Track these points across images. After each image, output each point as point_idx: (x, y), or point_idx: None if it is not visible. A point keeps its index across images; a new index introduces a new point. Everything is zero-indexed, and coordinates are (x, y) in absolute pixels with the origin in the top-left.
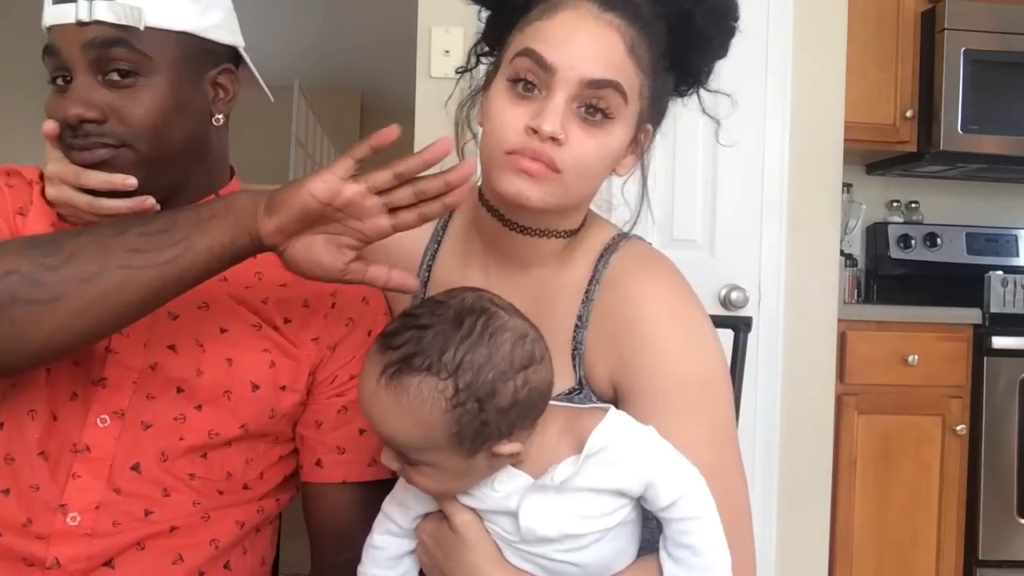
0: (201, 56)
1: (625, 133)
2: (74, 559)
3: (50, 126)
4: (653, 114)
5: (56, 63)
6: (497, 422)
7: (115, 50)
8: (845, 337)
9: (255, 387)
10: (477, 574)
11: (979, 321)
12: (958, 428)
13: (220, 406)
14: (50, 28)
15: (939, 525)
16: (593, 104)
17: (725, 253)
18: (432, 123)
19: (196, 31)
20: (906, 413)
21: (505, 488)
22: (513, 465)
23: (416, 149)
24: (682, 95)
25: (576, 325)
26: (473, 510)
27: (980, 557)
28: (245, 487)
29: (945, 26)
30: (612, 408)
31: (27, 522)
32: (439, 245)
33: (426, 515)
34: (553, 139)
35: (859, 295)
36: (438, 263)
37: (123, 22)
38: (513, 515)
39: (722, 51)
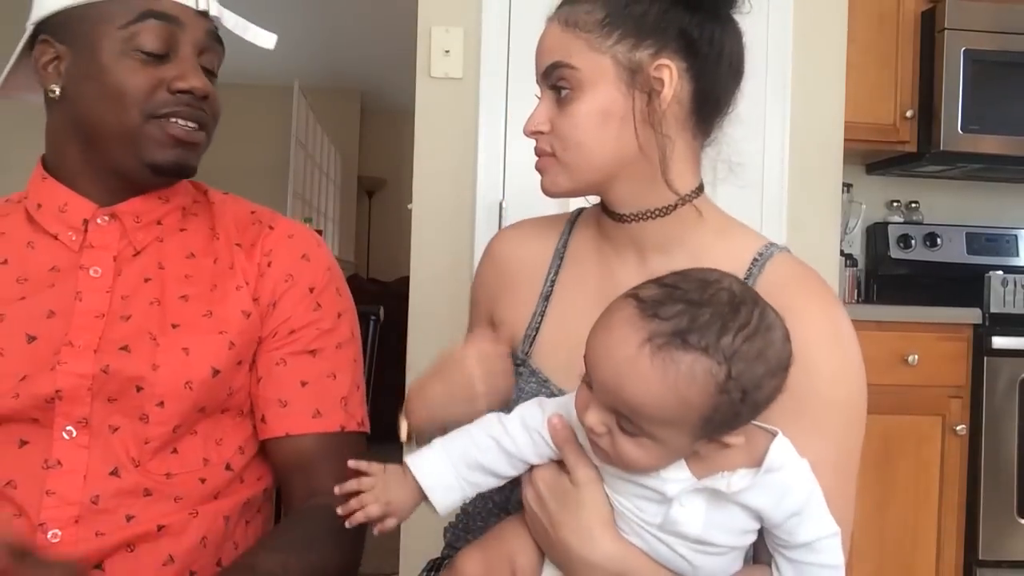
0: None
1: (595, 97)
2: None
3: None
4: (637, 43)
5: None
6: (746, 415)
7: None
8: None
9: (216, 372)
10: (586, 533)
11: (979, 321)
12: (958, 428)
13: (183, 398)
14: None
15: (939, 525)
16: (556, 86)
17: None
18: (432, 123)
19: None
20: (906, 413)
21: (668, 473)
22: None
23: (416, 148)
24: None
25: None
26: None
27: (980, 557)
28: (228, 467)
29: (945, 26)
30: (780, 432)
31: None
32: (562, 261)
33: (546, 463)
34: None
35: (859, 295)
36: (561, 278)
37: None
38: (660, 497)
39: None
